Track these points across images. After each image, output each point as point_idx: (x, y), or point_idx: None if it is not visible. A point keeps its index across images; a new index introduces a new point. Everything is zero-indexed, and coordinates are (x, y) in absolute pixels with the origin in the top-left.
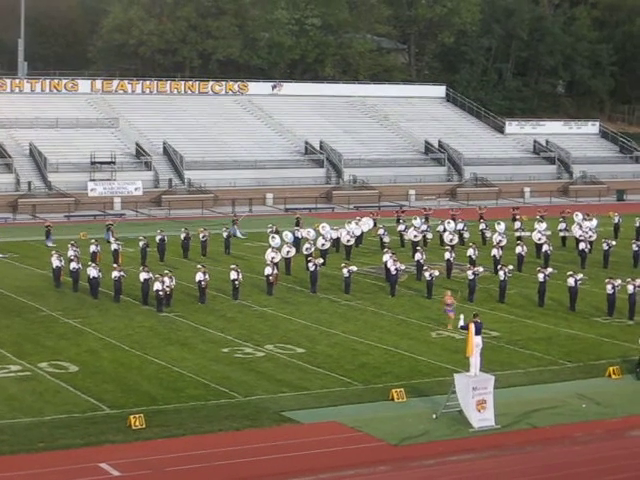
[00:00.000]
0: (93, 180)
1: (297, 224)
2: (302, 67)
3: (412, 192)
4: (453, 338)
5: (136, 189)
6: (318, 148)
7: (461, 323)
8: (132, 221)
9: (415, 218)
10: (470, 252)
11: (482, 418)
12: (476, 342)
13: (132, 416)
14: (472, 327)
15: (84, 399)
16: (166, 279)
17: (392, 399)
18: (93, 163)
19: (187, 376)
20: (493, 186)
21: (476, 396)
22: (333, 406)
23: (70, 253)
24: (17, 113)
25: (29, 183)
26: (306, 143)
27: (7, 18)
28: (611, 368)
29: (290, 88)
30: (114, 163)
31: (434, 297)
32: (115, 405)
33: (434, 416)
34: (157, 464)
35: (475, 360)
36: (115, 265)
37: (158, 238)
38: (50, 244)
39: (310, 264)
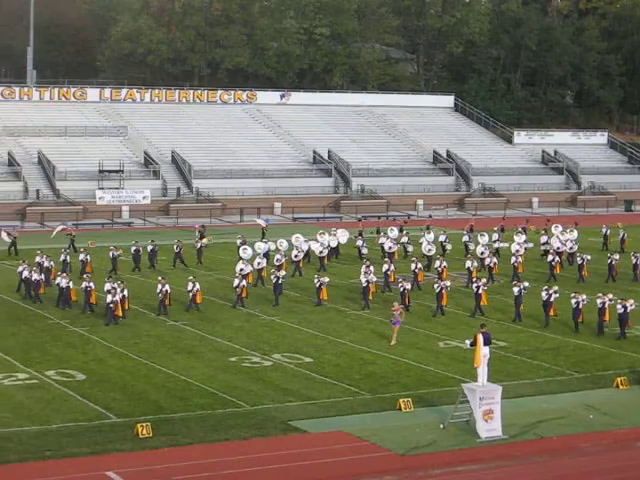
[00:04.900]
0: (101, 188)
1: (263, 236)
2: (310, 76)
3: (420, 202)
4: (460, 348)
5: (144, 198)
6: (326, 157)
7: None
8: (140, 230)
9: (392, 229)
10: (437, 264)
11: (489, 428)
12: (484, 352)
13: (139, 425)
14: (480, 338)
15: (91, 407)
16: (118, 290)
17: (399, 409)
18: (101, 171)
19: (194, 385)
20: (501, 196)
21: (483, 406)
22: (340, 416)
23: (46, 264)
24: (26, 121)
25: (37, 191)
26: (314, 152)
27: (16, 26)
28: (619, 379)
29: (298, 97)
30: (122, 172)
31: (411, 308)
32: (122, 414)
33: (441, 426)
34: (164, 473)
35: (483, 370)
36: (85, 276)
37: (149, 248)
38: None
39: (272, 276)
